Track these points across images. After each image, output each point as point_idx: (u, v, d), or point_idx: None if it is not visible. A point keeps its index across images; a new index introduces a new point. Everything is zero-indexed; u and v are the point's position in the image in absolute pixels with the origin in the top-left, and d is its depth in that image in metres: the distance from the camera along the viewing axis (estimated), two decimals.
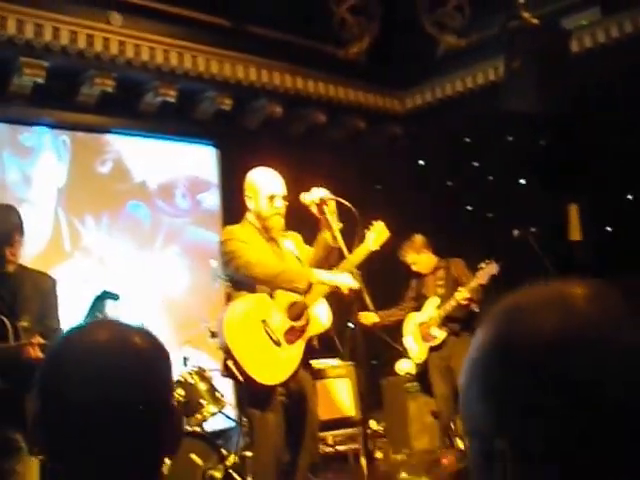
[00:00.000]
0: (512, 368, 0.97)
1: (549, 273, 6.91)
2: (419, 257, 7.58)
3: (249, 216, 5.12)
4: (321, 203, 4.90)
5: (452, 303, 7.21)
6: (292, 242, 5.22)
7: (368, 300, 4.64)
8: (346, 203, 4.91)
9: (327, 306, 5.07)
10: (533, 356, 0.96)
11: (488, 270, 7.20)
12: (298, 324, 4.91)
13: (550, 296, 1.02)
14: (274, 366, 4.83)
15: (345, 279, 4.80)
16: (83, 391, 1.38)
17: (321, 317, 5.02)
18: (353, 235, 4.84)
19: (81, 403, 1.38)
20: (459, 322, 7.38)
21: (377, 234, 5.19)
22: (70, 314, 5.14)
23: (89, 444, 1.38)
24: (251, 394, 4.94)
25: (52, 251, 7.83)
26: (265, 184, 5.05)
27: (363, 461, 5.51)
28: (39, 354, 4.47)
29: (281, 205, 5.01)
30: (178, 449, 1.58)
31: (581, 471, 0.92)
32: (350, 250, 4.85)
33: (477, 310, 7.50)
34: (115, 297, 7.16)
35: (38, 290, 4.94)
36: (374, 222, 5.26)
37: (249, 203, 5.10)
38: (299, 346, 4.92)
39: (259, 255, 4.91)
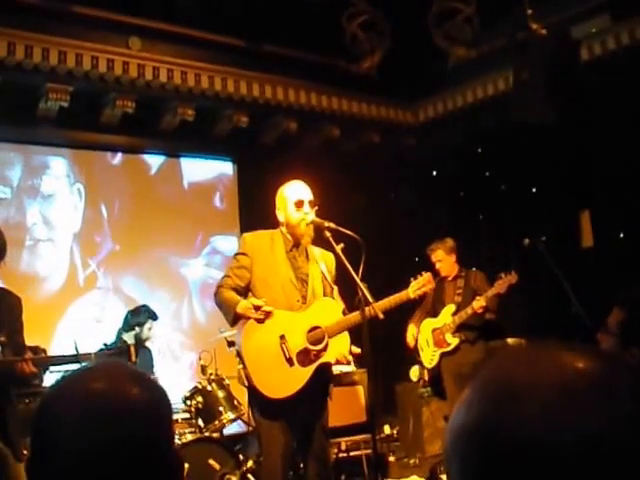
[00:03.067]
0: (493, 459, 0.90)
1: (560, 281, 7.07)
2: (447, 258, 7.75)
3: (281, 229, 5.18)
4: (320, 228, 5.00)
5: (468, 311, 7.36)
6: (325, 264, 5.22)
7: (378, 312, 4.66)
8: (350, 233, 4.85)
9: (348, 338, 5.06)
10: (519, 453, 0.88)
11: (507, 280, 7.34)
12: (314, 348, 4.94)
13: (547, 376, 0.91)
14: (279, 382, 4.91)
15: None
16: (76, 447, 1.31)
17: (339, 348, 5.03)
18: (358, 262, 4.77)
19: (75, 460, 1.31)
20: (474, 330, 7.59)
21: (422, 284, 5.24)
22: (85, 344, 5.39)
23: None
24: (260, 404, 5.02)
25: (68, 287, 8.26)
26: (292, 192, 5.11)
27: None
28: (33, 369, 4.75)
29: (309, 211, 5.04)
30: None
31: None
32: (357, 273, 4.76)
33: (492, 318, 7.71)
34: (155, 317, 7.48)
35: (9, 307, 5.12)
36: (423, 273, 5.32)
37: (279, 216, 5.16)
38: (309, 369, 4.93)
39: (234, 278, 5.02)
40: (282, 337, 4.95)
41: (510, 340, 8.23)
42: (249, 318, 4.88)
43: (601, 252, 8.40)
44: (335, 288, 5.20)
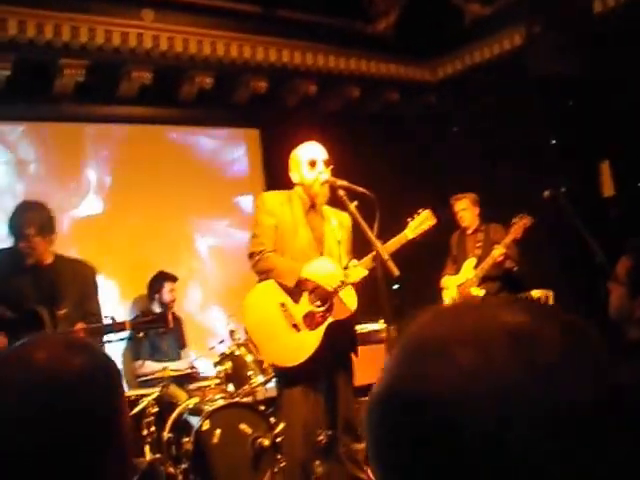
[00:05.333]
0: (402, 423, 0.86)
1: (582, 232, 7.05)
2: (471, 207, 7.87)
3: (297, 189, 5.21)
4: (333, 187, 5.01)
5: (489, 261, 7.42)
6: (338, 221, 5.23)
7: (393, 268, 4.57)
8: (363, 190, 4.86)
9: (353, 292, 5.00)
10: (426, 415, 0.84)
11: (522, 224, 7.40)
12: (319, 310, 4.94)
13: (463, 330, 0.88)
14: (289, 349, 4.91)
15: (327, 278, 4.92)
16: (14, 419, 1.32)
17: (346, 303, 4.98)
18: (373, 218, 4.75)
19: (11, 433, 1.31)
20: (496, 281, 7.61)
21: (419, 222, 5.19)
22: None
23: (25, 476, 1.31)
24: (281, 371, 5.10)
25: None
26: (305, 152, 5.15)
27: None
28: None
29: (323, 170, 5.05)
30: (132, 474, 1.53)
31: None
32: (372, 229, 4.73)
33: (514, 267, 7.72)
34: (173, 278, 7.64)
35: (77, 277, 5.33)
36: (420, 210, 5.27)
37: (294, 178, 5.19)
38: (319, 331, 4.91)
39: (268, 241, 5.03)
40: (283, 305, 4.96)
41: (535, 292, 8.23)
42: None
43: (623, 201, 8.37)
44: (342, 244, 5.17)
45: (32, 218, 5.20)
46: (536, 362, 0.83)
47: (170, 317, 5.18)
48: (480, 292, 7.49)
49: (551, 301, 8.17)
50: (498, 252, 7.37)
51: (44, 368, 1.36)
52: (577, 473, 0.80)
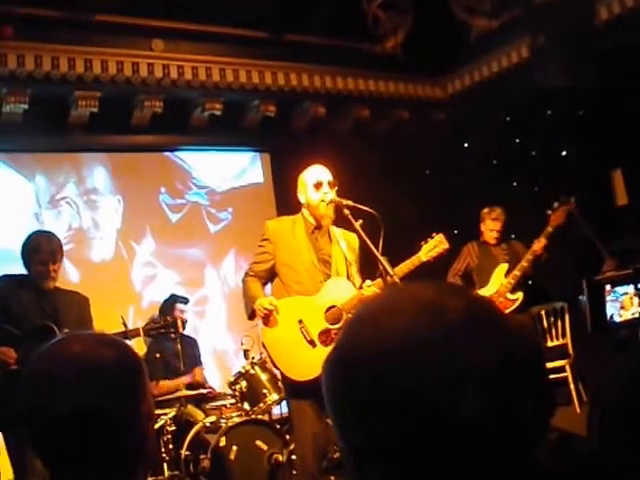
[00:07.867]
0: (348, 381, 1.05)
1: (592, 240, 7.10)
2: (497, 226, 7.60)
3: (304, 211, 5.28)
4: (338, 207, 5.10)
5: (529, 257, 7.18)
6: (346, 243, 5.30)
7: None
8: (367, 209, 4.95)
9: None
10: (363, 372, 1.02)
11: (564, 208, 7.19)
12: (334, 327, 5.02)
13: (385, 311, 1.04)
14: (304, 364, 4.96)
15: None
16: (51, 402, 1.54)
17: None
18: (378, 237, 4.80)
19: (51, 414, 1.54)
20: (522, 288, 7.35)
21: (433, 246, 5.19)
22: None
23: (61, 452, 1.57)
24: (291, 387, 5.14)
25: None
26: (311, 174, 5.20)
27: None
28: None
29: (328, 191, 5.11)
30: (152, 457, 1.75)
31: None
32: (377, 248, 4.80)
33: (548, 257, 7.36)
34: (184, 301, 7.79)
35: (74, 305, 5.59)
36: (434, 234, 5.26)
37: (301, 198, 5.26)
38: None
39: (258, 266, 5.25)
40: (300, 321, 5.09)
41: (557, 305, 8.26)
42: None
43: (636, 209, 8.38)
44: (353, 265, 5.27)
45: (59, 245, 5.54)
46: (440, 325, 0.99)
47: (180, 323, 5.45)
48: (518, 295, 7.28)
49: (566, 312, 8.21)
50: (539, 245, 7.13)
51: (78, 358, 1.59)
52: (483, 417, 0.96)
